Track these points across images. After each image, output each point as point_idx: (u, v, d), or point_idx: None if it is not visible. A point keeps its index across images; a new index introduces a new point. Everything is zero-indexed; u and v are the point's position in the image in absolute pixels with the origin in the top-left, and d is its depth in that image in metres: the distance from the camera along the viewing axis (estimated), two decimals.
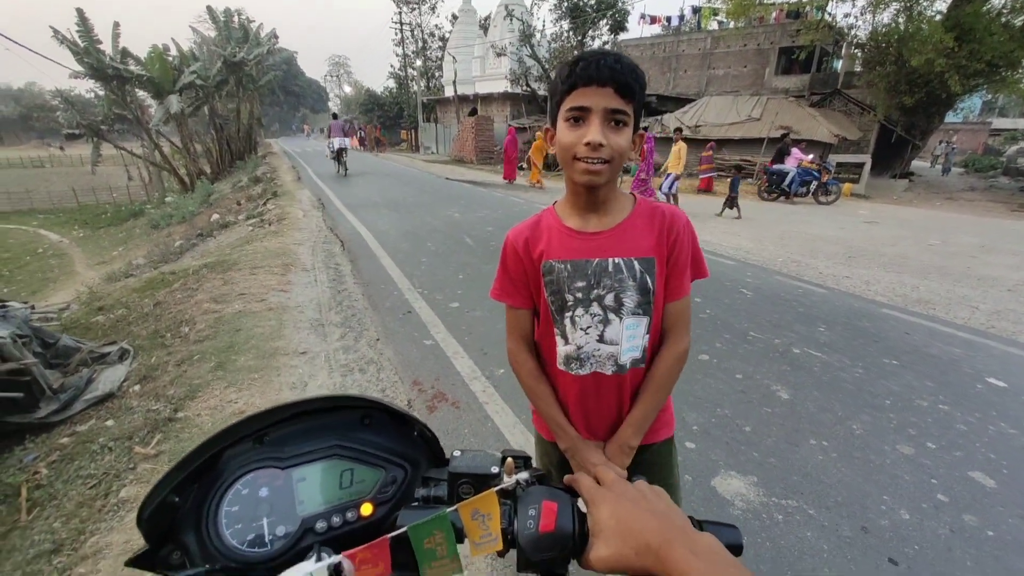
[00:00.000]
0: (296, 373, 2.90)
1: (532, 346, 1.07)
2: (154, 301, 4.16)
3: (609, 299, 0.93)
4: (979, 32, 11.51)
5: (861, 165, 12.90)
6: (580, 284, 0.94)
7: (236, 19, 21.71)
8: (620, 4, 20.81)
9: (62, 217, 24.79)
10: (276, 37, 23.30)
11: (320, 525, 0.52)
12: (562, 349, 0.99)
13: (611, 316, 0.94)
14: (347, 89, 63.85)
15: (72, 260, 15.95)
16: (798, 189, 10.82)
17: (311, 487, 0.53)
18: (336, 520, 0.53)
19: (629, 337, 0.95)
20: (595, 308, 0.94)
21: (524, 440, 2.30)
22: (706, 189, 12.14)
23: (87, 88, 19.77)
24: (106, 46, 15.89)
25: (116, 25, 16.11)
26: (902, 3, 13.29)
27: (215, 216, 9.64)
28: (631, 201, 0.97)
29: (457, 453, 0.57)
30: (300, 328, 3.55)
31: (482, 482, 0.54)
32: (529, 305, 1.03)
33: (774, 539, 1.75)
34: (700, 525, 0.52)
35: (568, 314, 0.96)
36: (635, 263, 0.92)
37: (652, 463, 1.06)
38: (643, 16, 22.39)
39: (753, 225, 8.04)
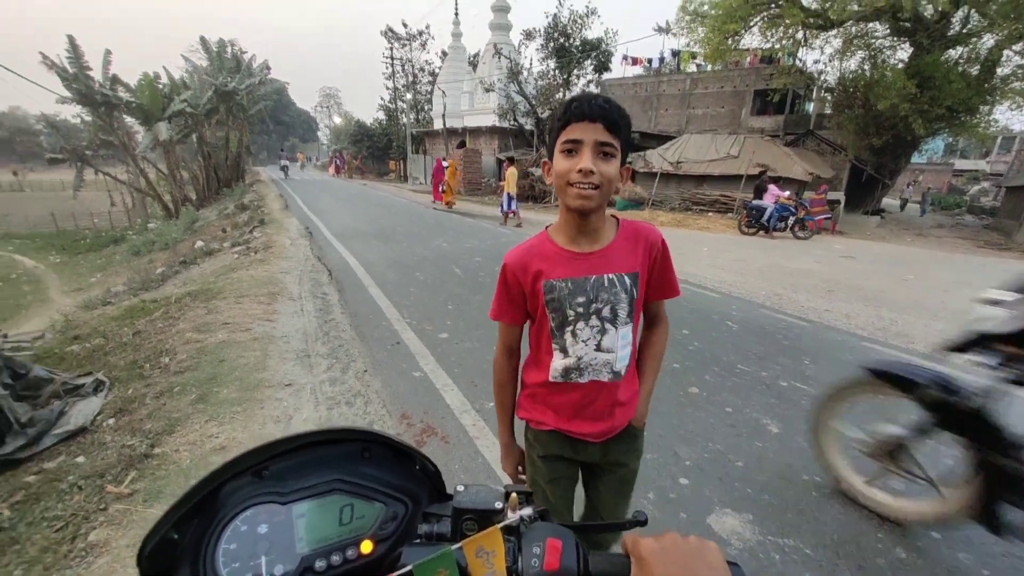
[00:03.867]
0: (280, 406, 2.82)
1: (514, 354, 1.21)
2: (133, 330, 4.04)
3: (607, 311, 1.05)
4: (939, 80, 12.27)
5: (836, 202, 13.41)
6: (580, 300, 1.04)
7: (229, 50, 22.08)
8: (603, 46, 21.75)
9: (39, 242, 24.12)
10: (268, 68, 23.70)
11: (320, 564, 0.50)
12: (560, 363, 1.09)
13: (607, 326, 1.06)
14: (337, 120, 64.76)
15: (47, 286, 15.46)
16: (776, 224, 11.16)
17: (311, 523, 0.52)
18: (336, 559, 0.51)
19: (623, 345, 1.08)
20: (594, 320, 1.05)
21: None
22: (821, 229, 11.86)
23: (73, 113, 19.70)
24: (96, 72, 15.95)
25: (108, 52, 16.24)
26: (867, 52, 14.17)
27: (199, 243, 9.51)
28: (615, 224, 1.08)
29: (461, 488, 0.56)
30: (286, 359, 3.47)
31: (485, 518, 0.53)
32: (522, 322, 1.16)
33: None
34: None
35: (569, 328, 1.07)
36: (626, 278, 1.04)
37: (629, 441, 1.21)
38: (625, 57, 23.43)
39: (735, 259, 8.22)
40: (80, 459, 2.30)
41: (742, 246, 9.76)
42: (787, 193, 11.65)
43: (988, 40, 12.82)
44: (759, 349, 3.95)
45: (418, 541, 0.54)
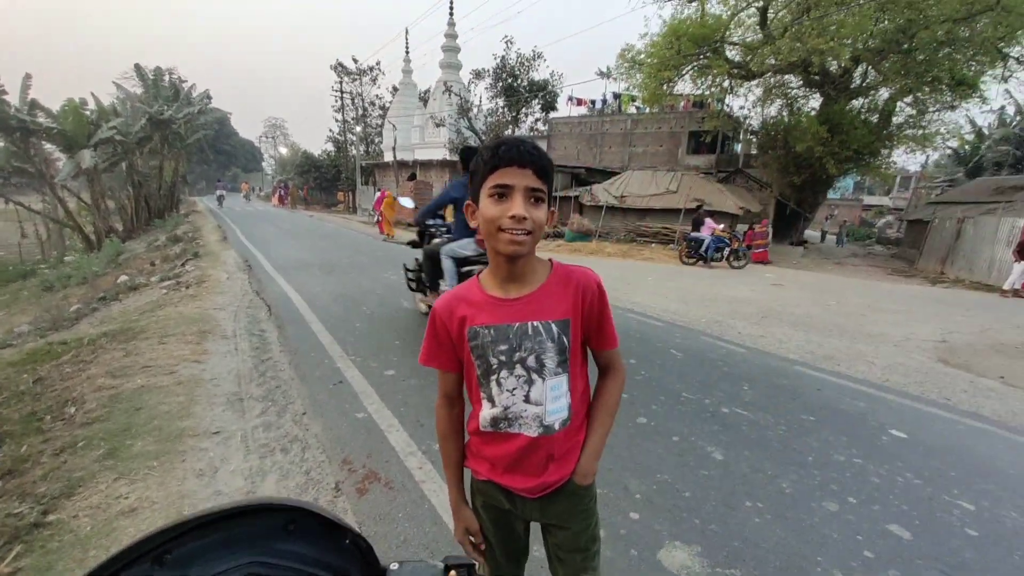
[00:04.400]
0: (205, 457, 2.57)
1: (454, 403, 1.14)
2: (34, 377, 3.61)
3: (531, 360, 1.00)
4: (846, 126, 13.76)
5: (765, 234, 14.44)
6: (503, 347, 1.00)
7: (167, 78, 21.26)
8: (550, 87, 22.80)
9: None
10: (209, 98, 22.97)
11: None
12: (488, 412, 1.05)
13: (534, 376, 1.01)
14: (283, 150, 63.19)
15: None
16: (713, 255, 11.84)
17: None
18: None
19: (553, 398, 1.02)
20: (519, 370, 1.00)
21: None
22: (762, 261, 13.02)
23: None
24: (13, 97, 14.81)
25: (28, 76, 15.17)
26: (785, 100, 15.70)
27: (123, 277, 8.79)
28: (548, 268, 1.05)
29: (395, 566, 0.51)
30: (214, 404, 3.20)
31: None
32: (455, 369, 1.10)
33: None
34: None
35: (494, 377, 1.02)
36: (553, 326, 1.00)
37: (570, 501, 1.11)
38: (571, 98, 24.63)
39: (677, 288, 8.59)
40: None
41: (683, 276, 10.24)
42: (722, 226, 12.43)
43: (884, 93, 14.59)
44: (702, 376, 4.08)
45: None
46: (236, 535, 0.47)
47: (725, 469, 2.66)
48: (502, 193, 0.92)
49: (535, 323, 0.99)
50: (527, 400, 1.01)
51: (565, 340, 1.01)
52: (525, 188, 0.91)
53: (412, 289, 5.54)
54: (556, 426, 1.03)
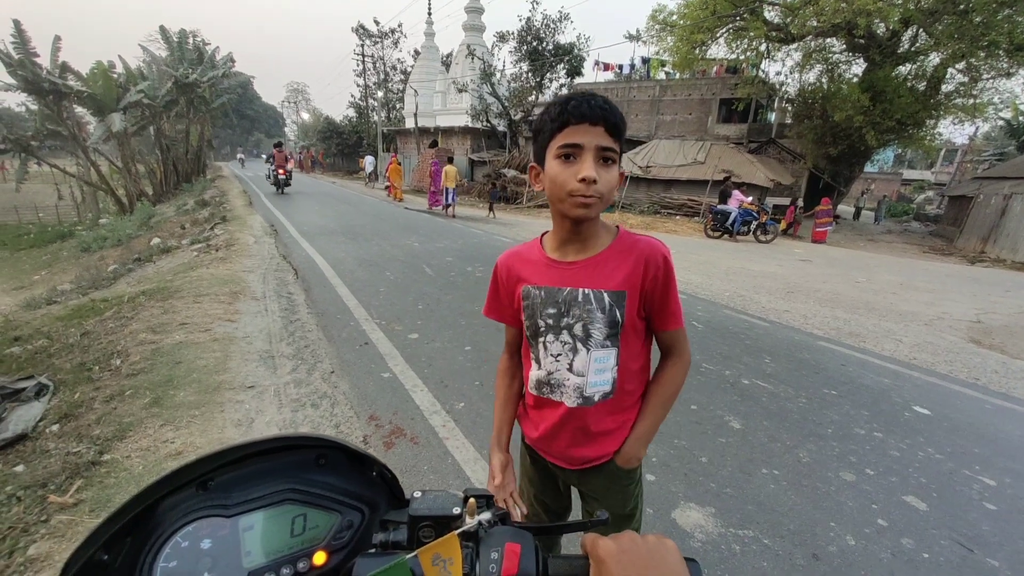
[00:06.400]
0: (242, 409, 2.72)
1: (512, 353, 1.15)
2: (81, 331, 3.82)
3: (578, 329, 0.94)
4: (890, 94, 12.96)
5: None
6: (551, 311, 0.96)
7: (191, 40, 21.23)
8: (576, 51, 22.01)
9: None
10: (233, 61, 22.92)
11: None
12: (534, 373, 1.03)
13: (579, 346, 0.95)
14: (305, 116, 63.24)
15: None
16: (740, 228, 11.55)
17: (259, 536, 0.49)
18: (286, 572, 0.49)
19: (597, 370, 0.96)
20: (565, 336, 0.96)
21: (485, 476, 2.24)
22: (821, 241, 12.55)
23: (18, 102, 18.51)
24: (44, 60, 15.04)
25: (57, 39, 15.34)
26: (825, 65, 14.84)
27: (156, 240, 9.08)
28: (612, 234, 0.97)
29: (418, 494, 0.55)
30: (248, 360, 3.35)
31: (443, 524, 0.52)
32: (511, 323, 1.10)
33: (733, 570, 1.78)
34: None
35: (541, 339, 0.99)
36: (605, 295, 0.92)
37: (609, 480, 1.07)
38: (597, 63, 23.77)
39: (701, 261, 8.46)
40: (19, 468, 2.15)
41: (707, 249, 10.04)
42: (750, 199, 12.08)
43: (934, 58, 13.63)
44: (723, 348, 4.07)
45: (373, 551, 0.52)
46: (272, 467, 0.52)
47: (743, 437, 2.69)
48: (570, 154, 0.83)
49: (586, 290, 0.93)
50: (570, 369, 0.97)
51: (617, 313, 0.93)
52: (596, 147, 0.82)
53: (267, 178, 17.99)
54: (596, 398, 0.98)
